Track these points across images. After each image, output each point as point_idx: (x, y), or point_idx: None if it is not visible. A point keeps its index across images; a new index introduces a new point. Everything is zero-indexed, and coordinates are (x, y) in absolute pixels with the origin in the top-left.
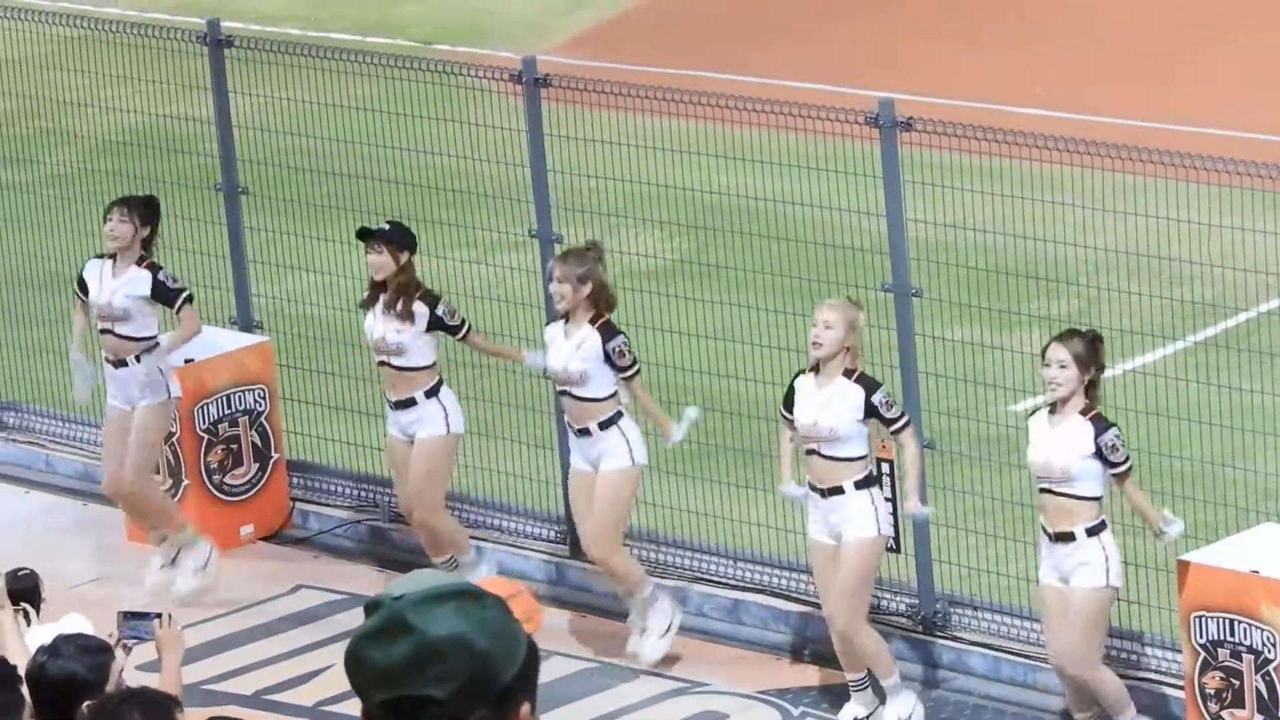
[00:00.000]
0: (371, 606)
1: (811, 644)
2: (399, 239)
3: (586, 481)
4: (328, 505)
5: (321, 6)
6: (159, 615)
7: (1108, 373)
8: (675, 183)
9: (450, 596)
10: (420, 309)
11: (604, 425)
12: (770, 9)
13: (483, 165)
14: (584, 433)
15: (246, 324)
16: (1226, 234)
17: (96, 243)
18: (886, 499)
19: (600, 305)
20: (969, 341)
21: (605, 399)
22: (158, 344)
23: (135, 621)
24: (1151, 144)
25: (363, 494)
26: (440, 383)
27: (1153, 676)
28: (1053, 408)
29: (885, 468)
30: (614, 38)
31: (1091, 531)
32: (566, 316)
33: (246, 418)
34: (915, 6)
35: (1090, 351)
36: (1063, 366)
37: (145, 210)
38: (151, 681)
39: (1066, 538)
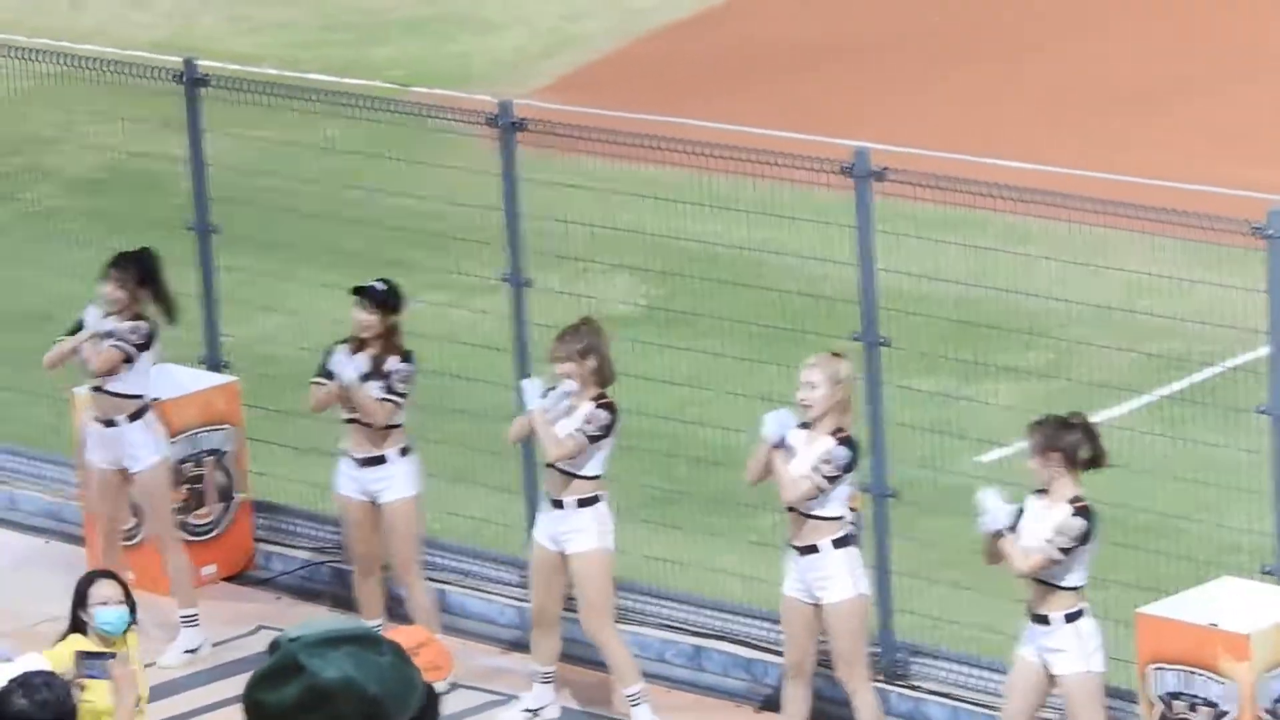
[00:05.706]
0: (271, 648)
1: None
2: (390, 301)
3: (547, 558)
4: (291, 546)
5: (300, 47)
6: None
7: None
8: (648, 229)
9: (345, 641)
10: (394, 365)
11: (582, 504)
12: (747, 58)
13: (456, 209)
14: (558, 504)
15: (215, 363)
16: (1195, 289)
17: (69, 281)
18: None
19: (601, 380)
20: (938, 392)
21: (592, 478)
22: (148, 406)
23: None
24: (1124, 198)
25: (326, 536)
26: (408, 445)
27: None
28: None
29: (849, 515)
30: (592, 82)
31: (1070, 618)
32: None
33: (212, 458)
34: (889, 61)
35: (1054, 435)
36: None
37: (137, 269)
38: None
39: (1042, 620)
